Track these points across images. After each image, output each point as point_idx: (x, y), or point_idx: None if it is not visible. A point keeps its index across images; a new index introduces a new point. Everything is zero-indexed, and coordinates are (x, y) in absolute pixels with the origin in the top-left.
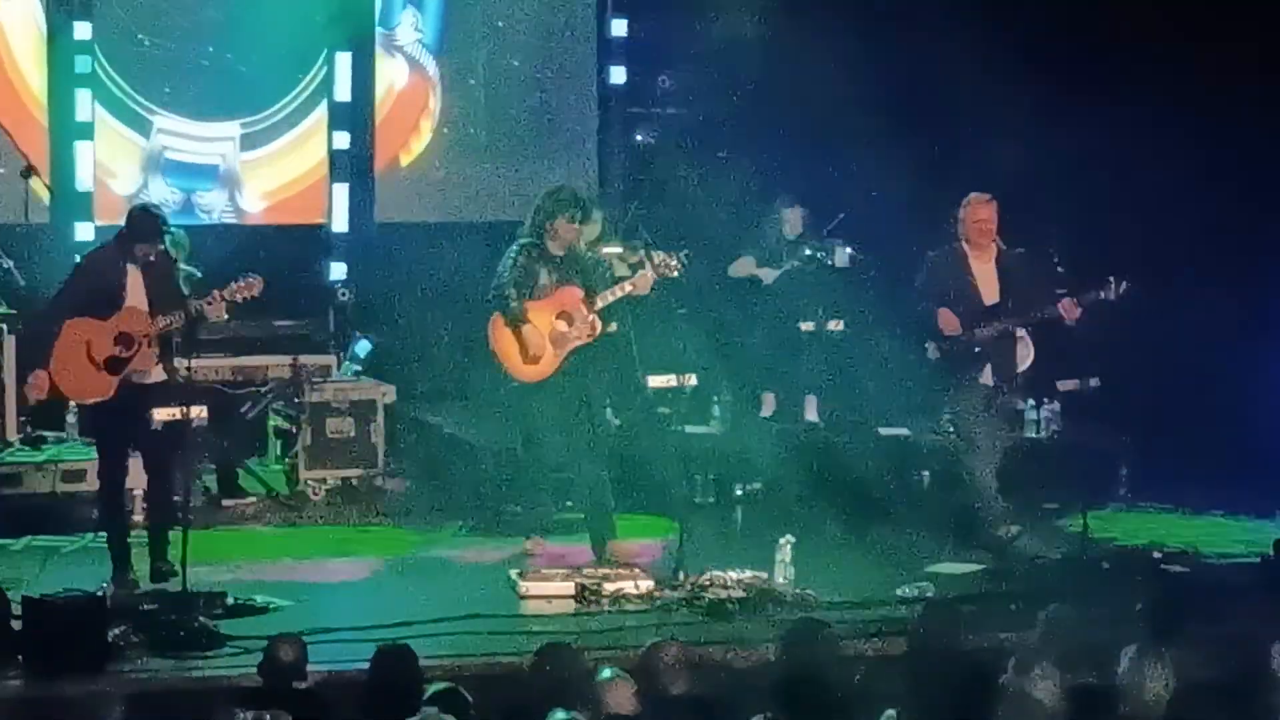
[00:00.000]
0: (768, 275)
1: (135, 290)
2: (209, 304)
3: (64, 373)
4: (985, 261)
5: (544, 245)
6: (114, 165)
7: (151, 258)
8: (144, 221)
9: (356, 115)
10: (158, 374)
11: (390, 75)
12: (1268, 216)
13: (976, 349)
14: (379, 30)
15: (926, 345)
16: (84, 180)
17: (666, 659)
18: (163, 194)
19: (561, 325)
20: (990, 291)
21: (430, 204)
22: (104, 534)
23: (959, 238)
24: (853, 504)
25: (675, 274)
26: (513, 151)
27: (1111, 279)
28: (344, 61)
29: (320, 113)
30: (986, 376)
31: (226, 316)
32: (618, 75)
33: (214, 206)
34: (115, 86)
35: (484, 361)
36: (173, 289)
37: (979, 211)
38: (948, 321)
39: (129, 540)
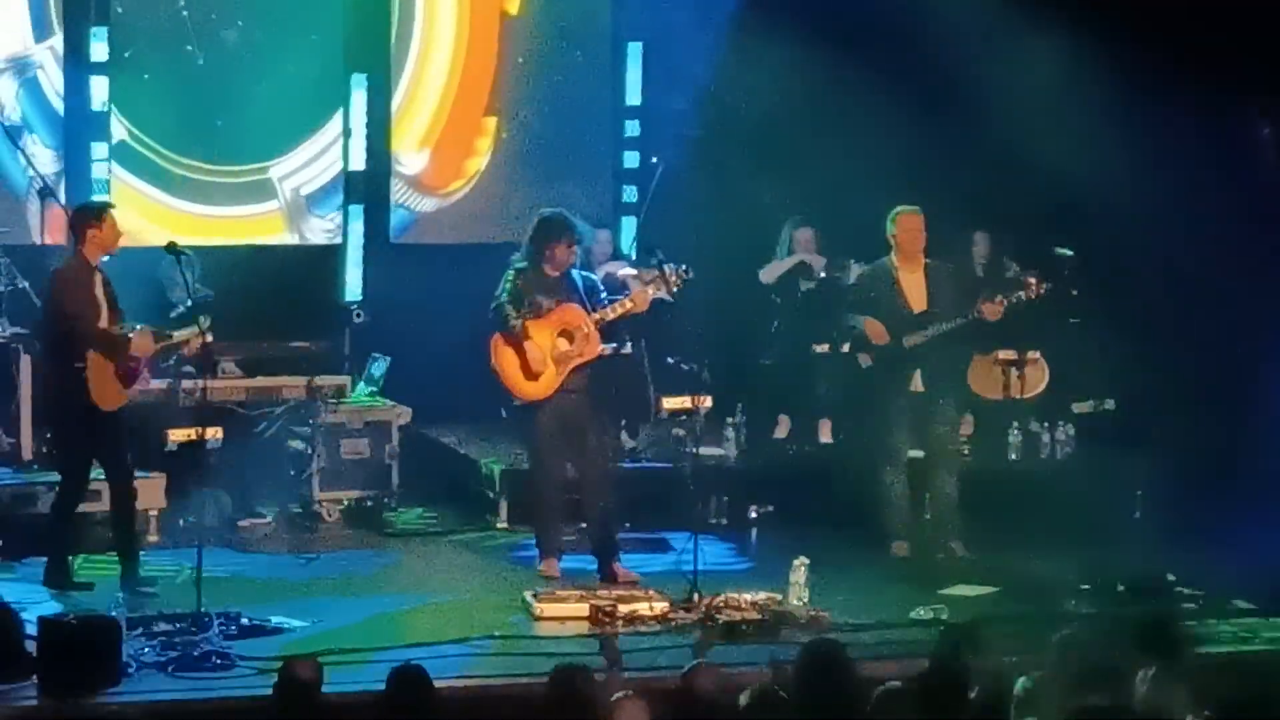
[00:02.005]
0: (817, 262)
1: (102, 301)
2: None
3: (99, 380)
4: (913, 272)
5: (540, 269)
6: (268, 239)
7: (104, 258)
8: (91, 206)
9: (373, 135)
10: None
11: None
12: None
13: (906, 357)
14: None
15: (858, 356)
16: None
17: (705, 682)
18: (322, 228)
19: (563, 343)
20: (918, 300)
21: (445, 226)
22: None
23: (891, 252)
24: (867, 526)
25: (676, 289)
26: (527, 174)
27: (1032, 280)
28: (359, 84)
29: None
30: (916, 384)
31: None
32: (633, 97)
33: None
34: (234, 175)
35: (495, 382)
36: (115, 300)
37: (908, 222)
38: (875, 331)
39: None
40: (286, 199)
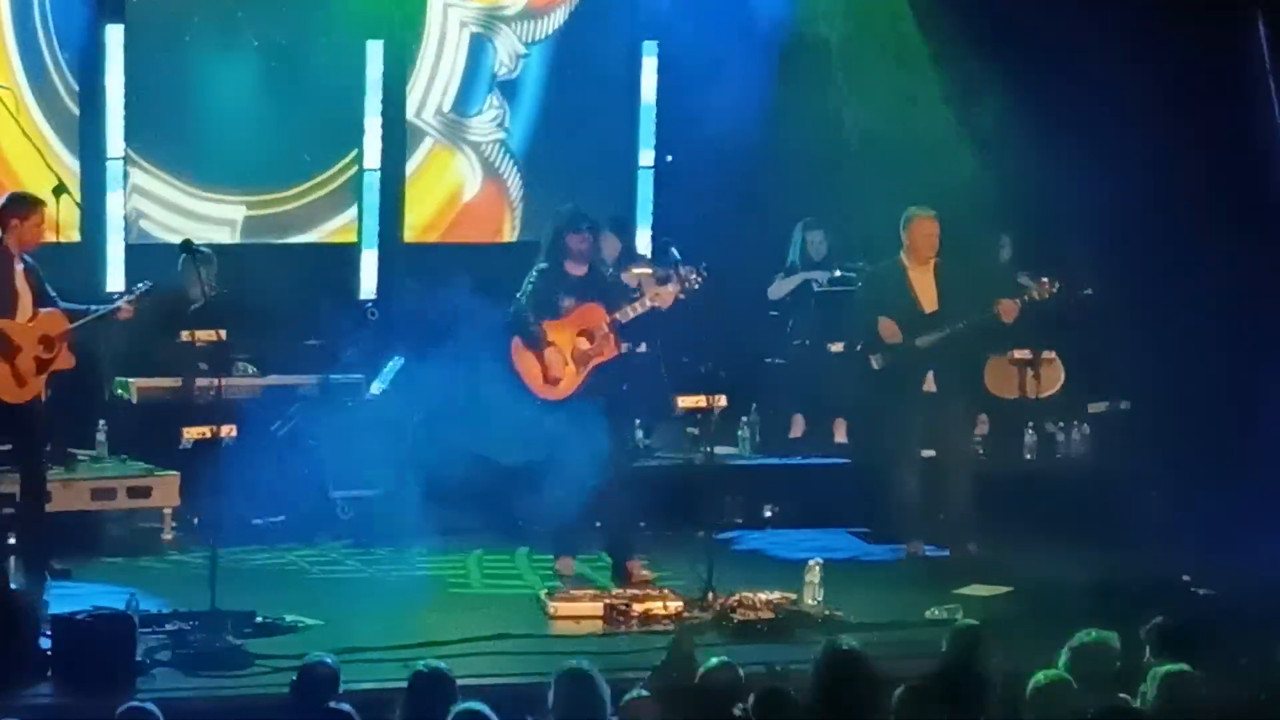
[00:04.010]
0: (821, 277)
1: (24, 289)
2: (119, 309)
3: None
4: (925, 273)
5: (562, 268)
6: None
7: (30, 254)
8: (21, 199)
9: (388, 130)
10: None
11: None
12: None
13: (918, 357)
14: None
15: (870, 356)
16: (114, 199)
17: (722, 682)
18: (487, 122)
19: (583, 343)
20: (929, 301)
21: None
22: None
23: (900, 251)
24: (881, 525)
25: (696, 287)
26: (541, 173)
27: (1045, 279)
28: (375, 72)
29: None
30: (929, 384)
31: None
32: (648, 96)
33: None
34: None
35: (511, 380)
36: (45, 289)
37: (925, 227)
38: (889, 331)
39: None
40: (437, 129)
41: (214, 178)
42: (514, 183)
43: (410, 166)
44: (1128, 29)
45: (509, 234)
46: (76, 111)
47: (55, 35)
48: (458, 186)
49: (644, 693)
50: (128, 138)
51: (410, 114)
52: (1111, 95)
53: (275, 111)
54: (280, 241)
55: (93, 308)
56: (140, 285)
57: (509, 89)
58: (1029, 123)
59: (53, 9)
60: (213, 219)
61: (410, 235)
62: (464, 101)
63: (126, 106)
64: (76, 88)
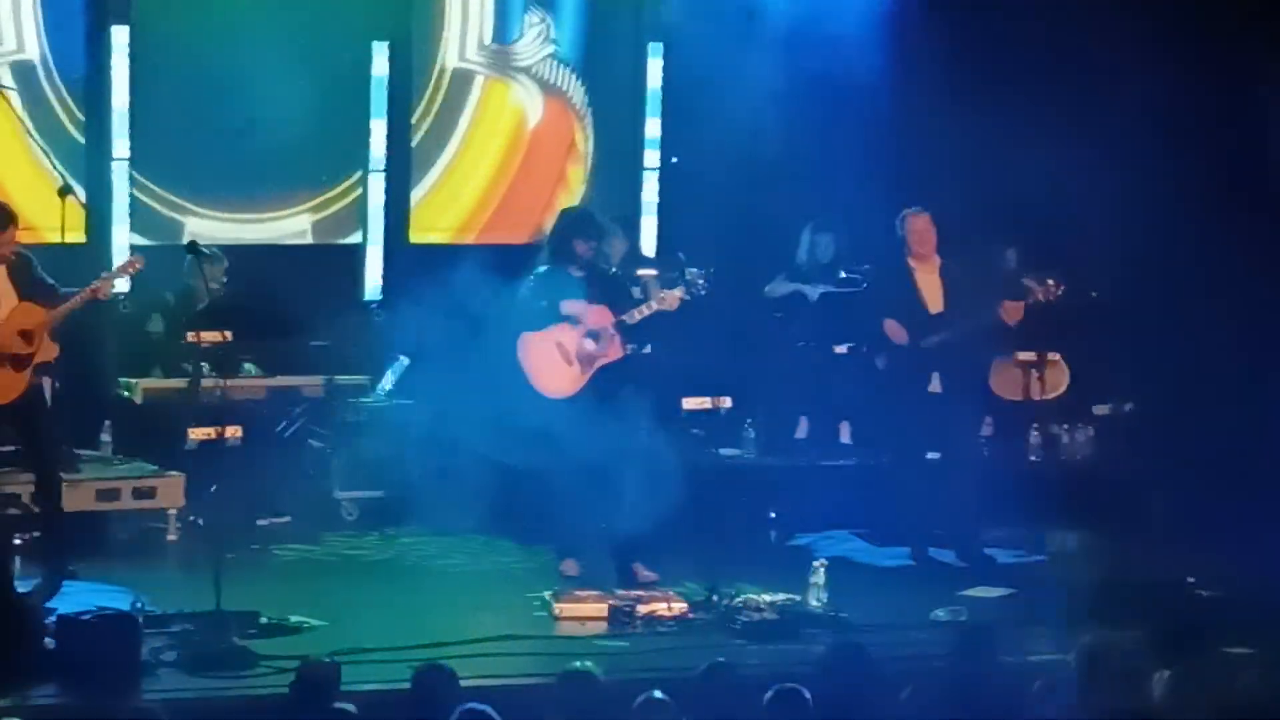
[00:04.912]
0: (812, 291)
1: (4, 286)
2: (96, 288)
3: None
4: (930, 273)
5: (564, 270)
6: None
7: (12, 254)
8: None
9: (394, 129)
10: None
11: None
12: None
13: (924, 359)
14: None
15: (875, 357)
16: (120, 199)
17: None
18: (533, 35)
19: (589, 344)
20: (935, 301)
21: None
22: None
23: (903, 252)
24: (885, 527)
25: (702, 292)
26: (600, 71)
27: (1050, 281)
28: (380, 73)
29: None
30: (935, 385)
31: (117, 290)
32: (654, 97)
33: None
34: None
35: (518, 381)
36: (39, 280)
37: (915, 225)
38: (895, 332)
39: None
40: (484, 63)
41: (242, 192)
42: (575, 91)
43: (467, 111)
44: (1137, 33)
45: (583, 144)
46: (79, 113)
47: (58, 36)
48: (520, 115)
49: (659, 694)
50: (149, 174)
51: (454, 60)
52: (1119, 97)
53: (298, 112)
54: (285, 243)
55: (69, 292)
56: (126, 259)
57: None
58: (1035, 124)
59: (55, 10)
60: (279, 232)
61: (466, 215)
62: (503, 29)
63: (132, 119)
64: (79, 90)
